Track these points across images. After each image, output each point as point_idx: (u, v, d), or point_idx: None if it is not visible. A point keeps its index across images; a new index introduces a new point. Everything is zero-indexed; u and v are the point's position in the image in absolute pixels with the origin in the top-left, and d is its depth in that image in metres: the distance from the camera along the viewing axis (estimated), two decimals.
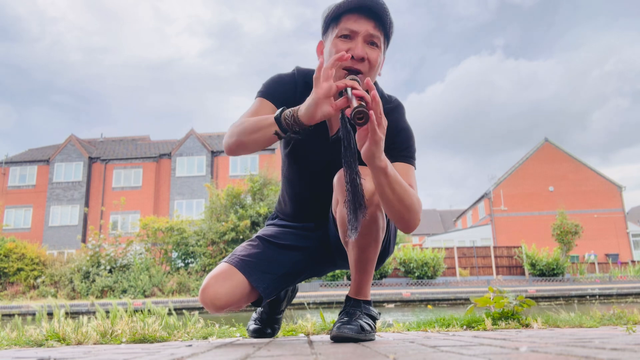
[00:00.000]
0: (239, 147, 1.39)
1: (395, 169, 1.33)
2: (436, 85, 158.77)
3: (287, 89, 1.55)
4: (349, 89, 1.21)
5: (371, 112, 1.14)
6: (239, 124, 1.40)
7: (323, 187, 1.56)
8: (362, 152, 1.21)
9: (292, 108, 1.30)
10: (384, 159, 1.23)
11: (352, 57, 1.39)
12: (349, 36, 1.41)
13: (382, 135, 1.18)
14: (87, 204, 29.32)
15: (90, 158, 30.52)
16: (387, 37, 1.47)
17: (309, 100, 1.25)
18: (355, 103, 1.16)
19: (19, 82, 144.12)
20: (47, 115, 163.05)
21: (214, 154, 30.35)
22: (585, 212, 29.55)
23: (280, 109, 1.32)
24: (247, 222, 18.01)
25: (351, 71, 1.40)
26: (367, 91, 1.19)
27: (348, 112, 1.18)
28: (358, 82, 1.28)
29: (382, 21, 1.42)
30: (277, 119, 1.30)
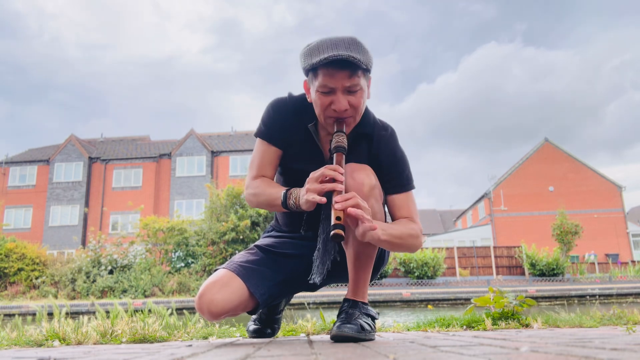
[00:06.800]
0: (260, 208, 1.67)
1: (394, 201, 1.58)
2: (448, 74, 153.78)
3: (282, 120, 1.62)
4: (332, 193, 1.34)
5: (362, 226, 1.31)
6: (255, 193, 1.60)
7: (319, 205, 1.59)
8: (356, 234, 1.35)
9: (294, 196, 1.47)
10: (376, 233, 1.35)
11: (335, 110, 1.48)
12: (328, 92, 1.47)
13: (370, 229, 1.32)
14: (87, 204, 29.31)
15: (90, 158, 30.51)
16: (367, 70, 1.48)
17: (304, 196, 1.41)
18: (333, 219, 1.28)
19: (17, 79, 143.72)
20: (45, 113, 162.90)
21: (214, 154, 30.35)
22: (585, 212, 29.53)
23: (284, 195, 1.49)
24: (247, 222, 18.01)
25: (338, 120, 1.49)
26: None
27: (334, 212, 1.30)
28: (344, 149, 1.46)
29: (357, 67, 1.44)
30: (285, 206, 1.50)
